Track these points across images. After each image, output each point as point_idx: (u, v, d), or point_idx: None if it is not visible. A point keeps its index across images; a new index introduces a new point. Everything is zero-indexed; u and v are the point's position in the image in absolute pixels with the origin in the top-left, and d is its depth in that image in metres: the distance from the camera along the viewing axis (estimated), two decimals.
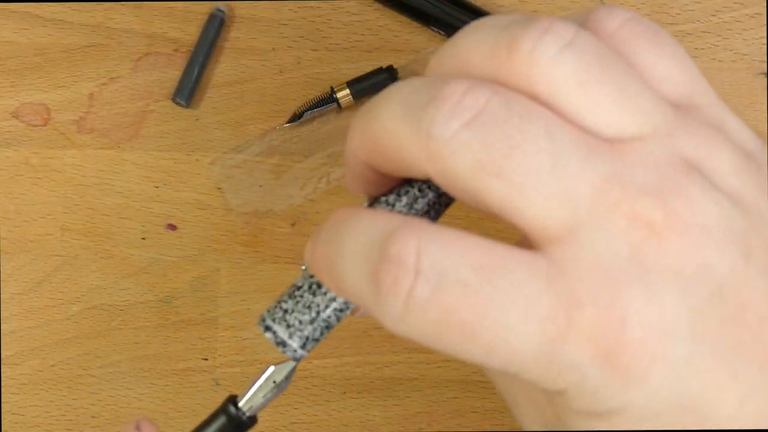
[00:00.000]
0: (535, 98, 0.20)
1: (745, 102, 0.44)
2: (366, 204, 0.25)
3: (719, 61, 0.44)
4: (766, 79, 0.44)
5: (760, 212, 0.20)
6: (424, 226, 0.20)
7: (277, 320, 0.24)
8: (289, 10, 0.45)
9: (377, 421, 0.43)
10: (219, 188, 0.44)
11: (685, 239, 0.19)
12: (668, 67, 0.22)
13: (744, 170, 0.21)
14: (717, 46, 0.44)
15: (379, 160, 0.22)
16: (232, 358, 0.44)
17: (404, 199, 0.23)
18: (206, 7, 0.45)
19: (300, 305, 0.23)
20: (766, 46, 0.44)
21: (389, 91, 0.21)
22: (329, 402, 0.44)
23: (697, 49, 0.44)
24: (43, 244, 0.44)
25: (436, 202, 0.23)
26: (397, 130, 0.21)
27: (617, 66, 0.20)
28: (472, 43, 0.21)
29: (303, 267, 0.23)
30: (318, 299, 0.23)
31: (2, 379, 0.44)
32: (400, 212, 0.23)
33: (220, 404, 0.26)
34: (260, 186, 0.44)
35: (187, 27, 0.45)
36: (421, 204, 0.23)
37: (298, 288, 0.24)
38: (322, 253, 0.22)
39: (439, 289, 0.19)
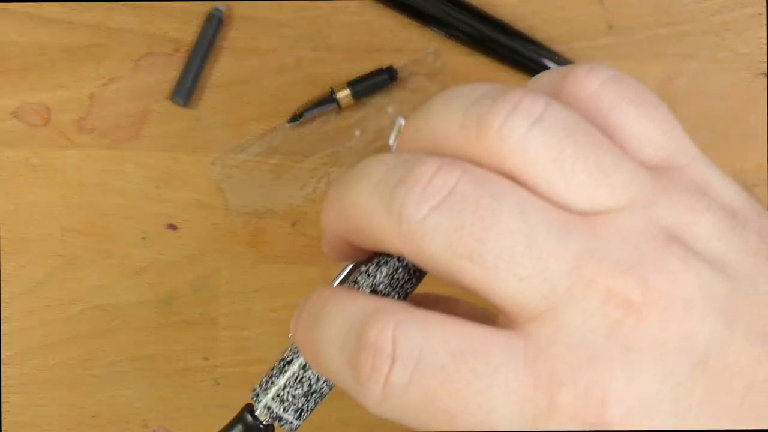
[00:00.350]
0: (507, 175, 0.20)
1: (745, 102, 0.44)
2: (348, 268, 0.25)
3: (719, 61, 0.44)
4: (766, 79, 0.44)
5: (746, 273, 0.20)
6: (401, 310, 0.20)
7: (271, 396, 0.24)
8: (289, 10, 0.45)
9: (377, 421, 0.43)
10: (219, 188, 0.44)
11: (665, 313, 0.19)
12: (649, 128, 0.21)
13: (728, 231, 0.20)
14: (717, 46, 0.44)
15: (353, 236, 0.22)
16: (232, 358, 0.44)
17: (384, 270, 0.23)
18: (207, 7, 0.45)
19: (292, 380, 0.24)
20: (766, 46, 0.44)
21: (363, 167, 0.21)
22: (329, 401, 0.44)
23: (697, 49, 0.45)
24: (43, 244, 0.44)
25: (417, 270, 0.23)
26: (370, 209, 0.21)
27: (590, 139, 0.20)
28: (442, 118, 0.21)
29: (290, 335, 0.23)
30: (309, 373, 0.24)
31: (2, 379, 0.44)
32: (381, 284, 0.23)
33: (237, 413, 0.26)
34: (260, 186, 0.44)
35: (188, 27, 0.45)
36: (401, 273, 0.23)
37: (288, 363, 0.24)
38: (305, 335, 0.22)
39: (417, 375, 0.19)
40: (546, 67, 0.44)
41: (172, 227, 0.44)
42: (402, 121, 0.44)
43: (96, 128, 0.45)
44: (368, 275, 0.23)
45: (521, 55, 0.44)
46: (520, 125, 0.20)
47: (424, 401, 0.19)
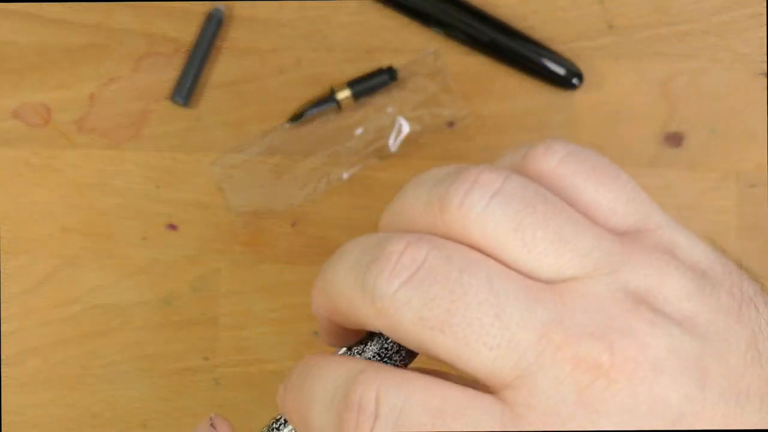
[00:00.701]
0: (474, 248, 0.21)
1: (745, 102, 0.44)
2: (340, 352, 0.25)
3: (719, 61, 0.44)
4: (766, 79, 0.44)
5: (717, 333, 0.20)
6: (384, 370, 0.21)
7: None
8: (289, 10, 0.45)
9: None
10: (219, 188, 0.44)
11: (634, 377, 0.19)
12: (611, 200, 0.22)
13: (698, 292, 0.21)
14: (717, 46, 0.44)
15: (339, 318, 0.23)
16: (232, 358, 0.44)
17: (375, 347, 0.24)
18: (207, 7, 0.45)
19: None
20: (766, 46, 0.44)
21: (341, 250, 0.23)
22: None
23: (697, 49, 0.45)
24: (43, 244, 0.44)
25: (403, 347, 0.24)
26: (348, 290, 0.22)
27: (550, 207, 0.21)
28: (410, 200, 0.22)
29: (278, 400, 0.24)
30: None
31: (2, 378, 0.44)
32: (371, 359, 0.24)
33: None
34: (260, 186, 0.44)
35: (188, 27, 0.45)
36: (390, 348, 0.24)
37: (284, 422, 0.25)
38: (292, 399, 0.22)
39: None
40: (546, 67, 0.44)
41: (172, 227, 0.44)
42: (402, 121, 0.44)
43: (96, 128, 0.45)
44: (360, 354, 0.24)
45: (521, 55, 0.44)
46: (479, 200, 0.20)
47: None
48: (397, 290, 0.20)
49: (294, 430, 0.24)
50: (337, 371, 0.21)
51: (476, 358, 0.20)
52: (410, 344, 0.21)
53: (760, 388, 0.20)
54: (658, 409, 0.19)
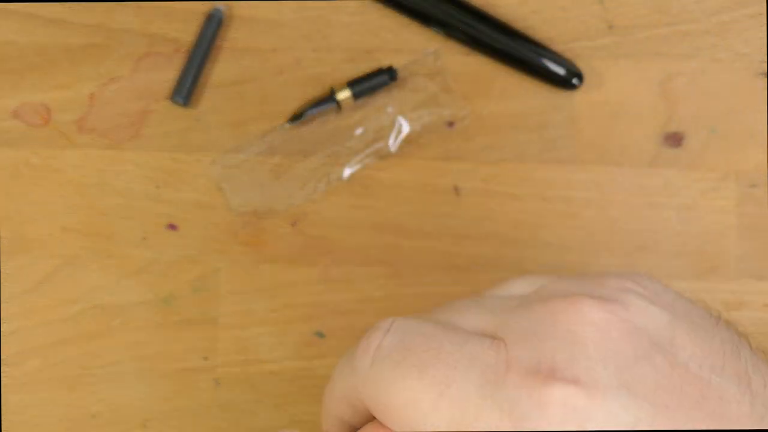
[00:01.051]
0: None
1: (745, 102, 0.44)
2: None
3: (719, 61, 0.44)
4: (766, 79, 0.44)
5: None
6: None
7: None
8: (289, 10, 0.45)
9: None
10: (219, 188, 0.44)
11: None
12: None
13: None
14: (717, 46, 0.44)
15: (348, 412, 0.26)
16: (232, 358, 0.44)
17: None
18: (207, 7, 0.45)
19: None
20: (766, 46, 0.44)
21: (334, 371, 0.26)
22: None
23: (697, 49, 0.45)
24: (43, 244, 0.44)
25: None
26: (343, 379, 0.25)
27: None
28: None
29: None
30: None
31: (2, 378, 0.44)
32: None
33: None
34: (260, 186, 0.44)
35: (188, 27, 0.45)
36: None
37: None
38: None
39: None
40: (546, 67, 0.44)
41: (172, 227, 0.44)
42: (402, 121, 0.44)
43: (96, 128, 0.45)
44: None
45: (521, 55, 0.44)
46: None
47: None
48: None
49: None
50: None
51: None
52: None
53: None
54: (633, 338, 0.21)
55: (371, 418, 0.24)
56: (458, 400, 0.21)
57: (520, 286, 0.26)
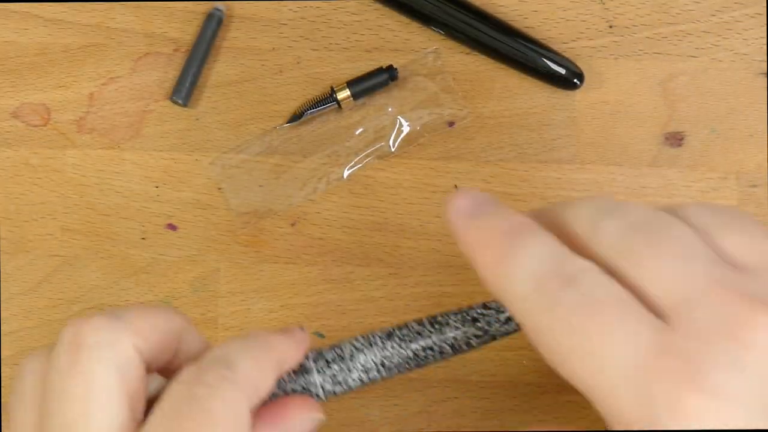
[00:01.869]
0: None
1: (745, 102, 0.44)
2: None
3: (719, 61, 0.44)
4: (766, 79, 0.44)
5: None
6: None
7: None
8: (289, 10, 0.45)
9: (376, 421, 0.43)
10: (219, 188, 0.44)
11: None
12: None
13: None
14: (717, 46, 0.44)
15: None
16: None
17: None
18: (207, 7, 0.45)
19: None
20: (766, 46, 0.44)
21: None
22: (328, 401, 0.44)
23: (697, 49, 0.44)
24: (43, 244, 0.44)
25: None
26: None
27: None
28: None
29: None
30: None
31: (2, 379, 0.44)
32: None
33: None
34: (260, 186, 0.44)
35: (187, 27, 0.45)
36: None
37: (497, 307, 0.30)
38: (487, 249, 0.25)
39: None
40: (546, 67, 0.44)
41: (172, 227, 0.44)
42: (402, 121, 0.44)
43: (96, 128, 0.45)
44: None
45: (521, 54, 0.44)
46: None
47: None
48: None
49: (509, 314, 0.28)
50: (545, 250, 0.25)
51: (663, 272, 0.23)
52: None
53: None
54: None
55: None
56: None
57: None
